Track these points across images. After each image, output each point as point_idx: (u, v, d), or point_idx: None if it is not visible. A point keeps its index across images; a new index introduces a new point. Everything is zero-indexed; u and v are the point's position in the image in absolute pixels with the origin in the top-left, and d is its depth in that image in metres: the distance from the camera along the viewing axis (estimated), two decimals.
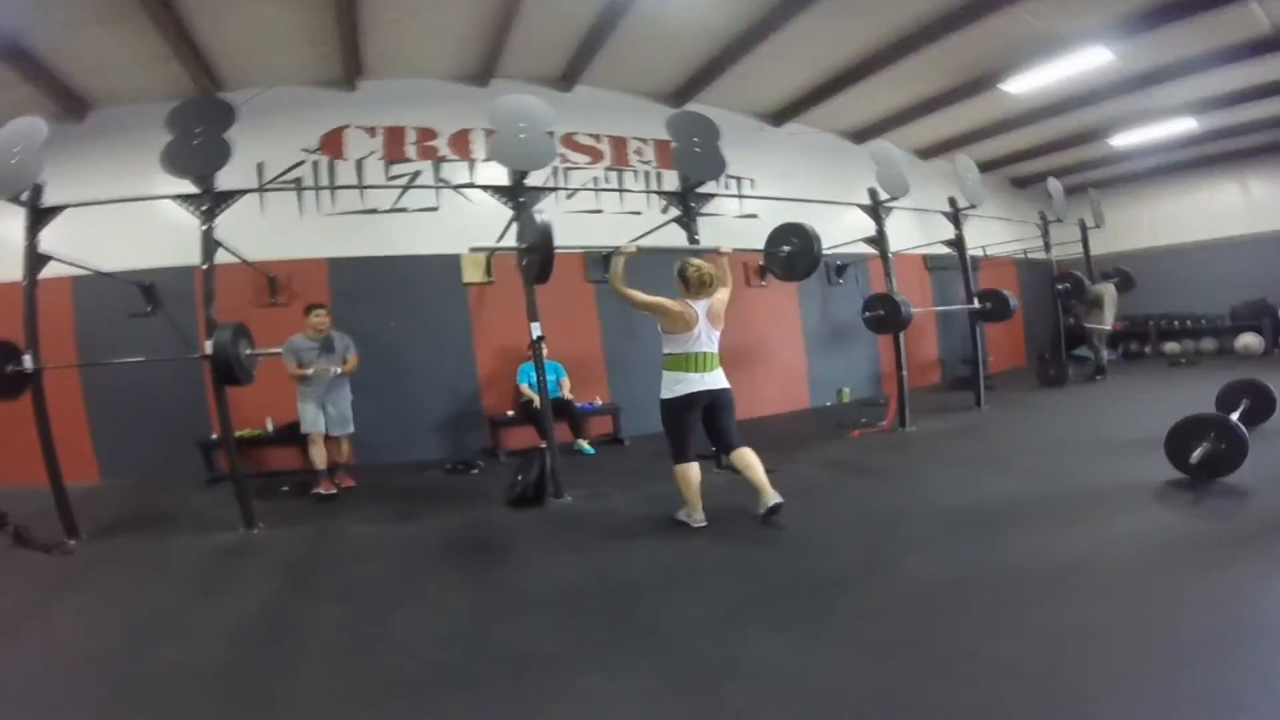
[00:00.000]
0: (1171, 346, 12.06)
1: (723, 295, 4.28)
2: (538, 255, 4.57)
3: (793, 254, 5.72)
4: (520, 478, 5.00)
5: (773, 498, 3.96)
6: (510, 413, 7.18)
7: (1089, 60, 7.59)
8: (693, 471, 4.14)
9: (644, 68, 8.03)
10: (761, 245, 6.04)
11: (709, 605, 2.98)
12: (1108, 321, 9.85)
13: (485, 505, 5.05)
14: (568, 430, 6.99)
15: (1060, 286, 10.16)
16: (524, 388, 6.83)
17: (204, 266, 4.95)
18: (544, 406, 5.35)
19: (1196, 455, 4.10)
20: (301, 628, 3.05)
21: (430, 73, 7.61)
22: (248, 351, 4.81)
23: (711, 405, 4.15)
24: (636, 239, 6.88)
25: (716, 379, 4.16)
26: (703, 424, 4.20)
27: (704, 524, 4.06)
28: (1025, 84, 8.25)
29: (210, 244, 4.98)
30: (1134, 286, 10.62)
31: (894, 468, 5.42)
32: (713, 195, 6.14)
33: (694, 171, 5.49)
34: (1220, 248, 11.98)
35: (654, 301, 4.13)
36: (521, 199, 5.06)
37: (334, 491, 5.63)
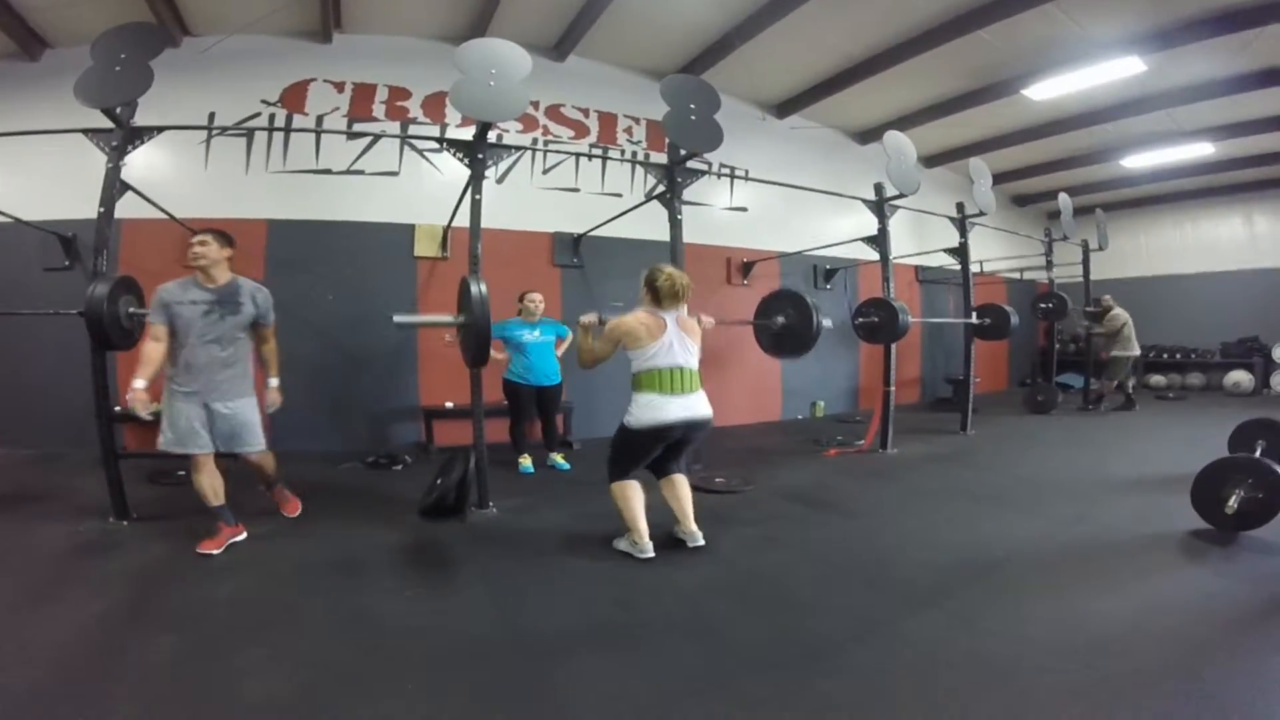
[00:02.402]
0: (1158, 380, 11.63)
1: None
2: (472, 333, 3.72)
3: (787, 328, 5.04)
4: (439, 481, 4.21)
5: (694, 537, 3.49)
6: (450, 404, 6.37)
7: (1119, 70, 6.95)
8: (633, 489, 3.46)
9: (644, 42, 7.33)
10: (749, 244, 5.40)
11: (648, 678, 2.26)
12: (1136, 347, 9.14)
13: (397, 511, 4.29)
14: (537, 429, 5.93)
15: (1044, 305, 9.55)
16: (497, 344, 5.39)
17: (100, 209, 4.20)
18: (475, 386, 4.26)
19: (1233, 504, 3.53)
20: (125, 657, 2.37)
21: (414, 30, 6.88)
22: (131, 310, 4.03)
23: (684, 437, 3.46)
24: (614, 218, 6.24)
25: (698, 404, 3.45)
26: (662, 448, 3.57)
27: (651, 555, 3.35)
28: (1049, 90, 7.57)
29: (113, 185, 4.22)
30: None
31: (878, 497, 4.72)
32: (703, 172, 5.39)
33: (686, 140, 4.74)
34: (1216, 281, 11.49)
35: (613, 334, 3.46)
36: (481, 155, 4.31)
37: (236, 538, 3.63)
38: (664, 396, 3.34)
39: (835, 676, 2.27)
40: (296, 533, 3.92)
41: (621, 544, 3.49)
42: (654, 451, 3.46)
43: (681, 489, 3.55)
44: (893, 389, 6.30)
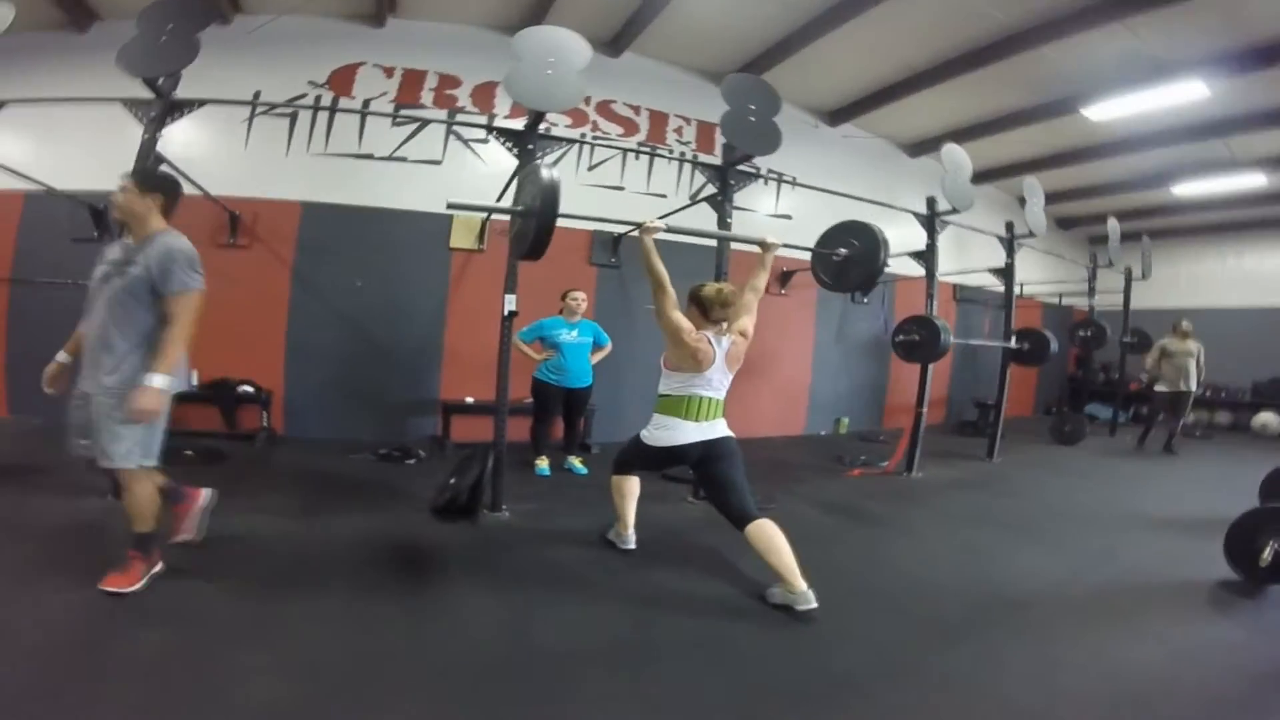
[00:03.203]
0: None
1: (747, 326, 3.39)
2: (534, 221, 3.34)
3: (849, 259, 4.74)
4: (453, 480, 4.08)
5: (805, 600, 2.88)
6: (470, 399, 6.25)
7: (1181, 94, 6.66)
8: (630, 484, 3.63)
9: (701, 42, 7.14)
10: (788, 252, 5.14)
11: (665, 708, 2.14)
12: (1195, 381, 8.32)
13: (407, 508, 4.18)
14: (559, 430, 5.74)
15: (1083, 333, 9.25)
16: (524, 346, 5.26)
17: None
18: (501, 383, 4.17)
19: (1267, 556, 3.37)
20: (107, 651, 2.26)
21: (468, 18, 6.77)
22: None
23: (706, 457, 3.24)
24: (661, 217, 6.05)
25: (715, 427, 3.27)
26: (702, 485, 3.54)
27: (632, 547, 3.57)
28: (1109, 111, 7.28)
29: (148, 157, 4.07)
30: (1150, 348, 9.76)
31: (905, 521, 4.56)
32: (757, 175, 5.21)
33: (744, 142, 4.58)
34: (1251, 317, 11.01)
35: (679, 325, 3.17)
36: (531, 146, 4.18)
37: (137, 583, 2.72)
38: (682, 422, 3.22)
39: (863, 717, 2.14)
40: (306, 522, 3.82)
41: (610, 532, 3.67)
42: (664, 467, 3.53)
43: (768, 534, 3.03)
44: (925, 410, 6.11)
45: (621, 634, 2.68)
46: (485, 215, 6.15)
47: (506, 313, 4.17)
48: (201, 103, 4.25)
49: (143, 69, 3.95)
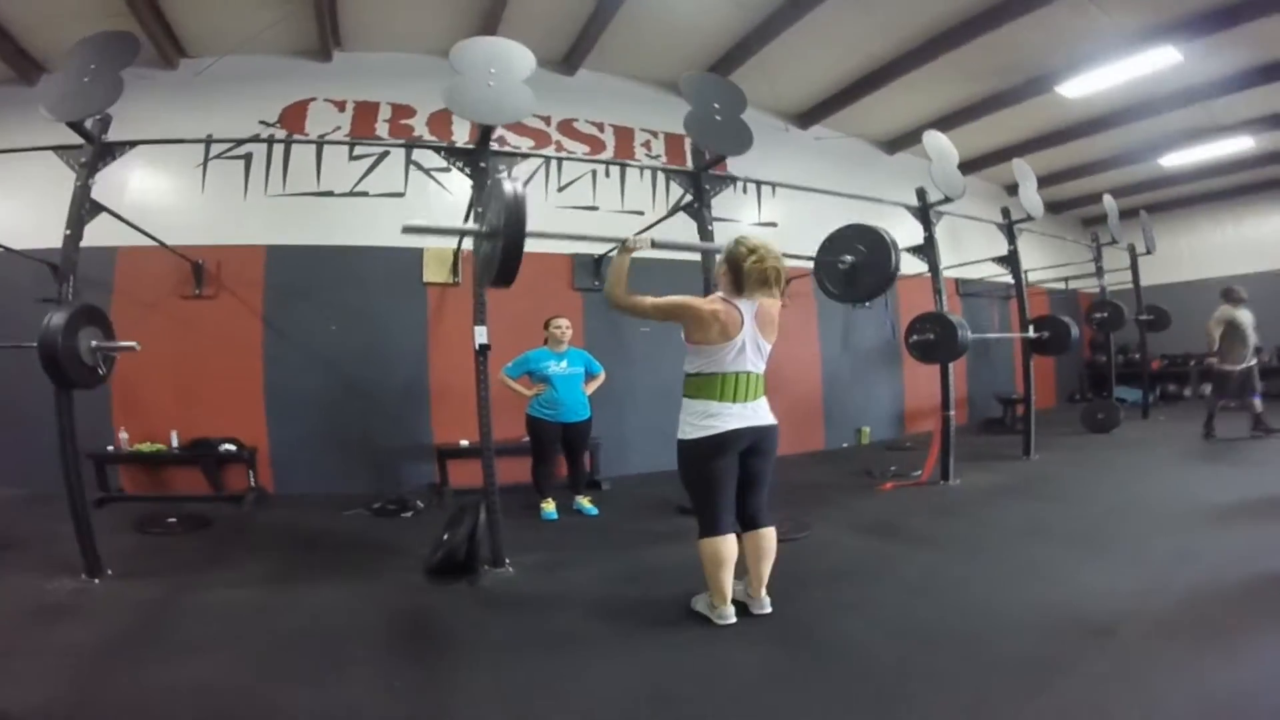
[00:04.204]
0: (1206, 388, 10.79)
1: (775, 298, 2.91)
2: (499, 242, 2.86)
3: (857, 266, 4.31)
4: (446, 536, 3.57)
5: (762, 604, 2.85)
6: (465, 442, 5.71)
7: (1154, 61, 6.47)
8: (728, 548, 2.77)
9: (657, 51, 6.85)
10: (790, 262, 4.67)
11: None
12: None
13: (401, 569, 3.66)
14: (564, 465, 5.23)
15: (1098, 316, 8.80)
16: (511, 383, 4.88)
17: (67, 232, 3.72)
18: (484, 425, 3.66)
19: None
20: None
21: (416, 46, 6.43)
22: (94, 344, 3.50)
23: (752, 449, 2.80)
24: (639, 232, 5.62)
25: (760, 412, 2.82)
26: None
27: (732, 620, 2.75)
28: (1084, 86, 7.05)
29: (81, 205, 3.75)
30: (1169, 324, 9.45)
31: (952, 541, 4.00)
32: (733, 179, 4.80)
33: (712, 143, 4.15)
34: (1267, 281, 10.51)
35: (673, 303, 2.78)
36: (484, 164, 3.73)
37: None
38: (725, 404, 2.73)
39: None
40: (283, 596, 3.32)
41: (699, 603, 2.91)
42: (726, 469, 2.78)
43: (766, 545, 2.88)
44: (953, 413, 5.59)
45: (644, 715, 2.14)
46: (456, 246, 5.71)
47: (477, 346, 3.65)
48: (134, 144, 3.93)
49: (66, 112, 3.62)
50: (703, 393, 2.75)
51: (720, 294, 2.83)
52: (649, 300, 2.82)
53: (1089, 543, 3.78)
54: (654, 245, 2.94)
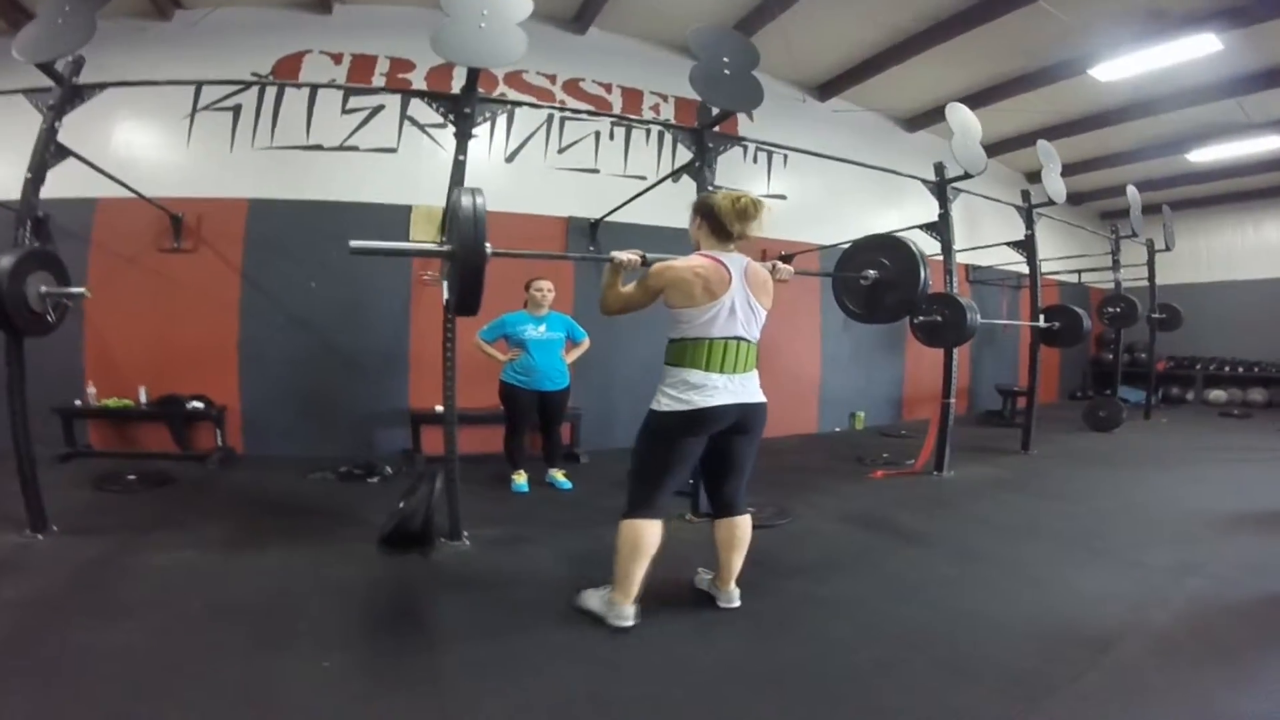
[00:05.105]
0: (1217, 394, 10.51)
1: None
2: (458, 267, 2.55)
3: (881, 283, 3.93)
4: (402, 504, 3.33)
5: (732, 598, 2.65)
6: (440, 409, 5.44)
7: (1192, 48, 6.03)
8: (652, 533, 2.44)
9: (672, 12, 6.40)
10: (798, 237, 4.43)
11: None
12: None
13: (356, 537, 3.43)
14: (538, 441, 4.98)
15: (1111, 310, 8.48)
16: (486, 347, 4.60)
17: (28, 175, 3.49)
18: (448, 388, 3.38)
19: None
20: None
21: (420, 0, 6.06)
22: (43, 289, 3.27)
23: (735, 429, 2.49)
24: (637, 196, 5.23)
25: (750, 387, 2.50)
26: (707, 458, 2.57)
27: (629, 624, 2.42)
28: (1118, 70, 6.61)
29: (46, 148, 3.52)
30: (1181, 324, 9.14)
31: (944, 538, 3.75)
32: (738, 139, 4.45)
33: (720, 98, 3.81)
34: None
35: (657, 275, 2.43)
36: (469, 110, 3.45)
37: None
38: (709, 375, 2.40)
39: None
40: (229, 561, 3.13)
41: (592, 600, 2.54)
42: (693, 449, 2.47)
43: (741, 534, 2.62)
44: (953, 401, 5.32)
45: (585, 714, 1.94)
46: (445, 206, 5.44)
47: (445, 300, 3.34)
48: (103, 86, 3.67)
49: (36, 53, 3.41)
50: (685, 360, 2.42)
51: (700, 251, 2.50)
52: (636, 291, 2.51)
53: (1085, 546, 3.56)
54: (645, 263, 2.60)
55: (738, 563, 2.63)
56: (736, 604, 2.63)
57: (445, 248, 2.66)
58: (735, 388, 2.44)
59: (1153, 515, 4.20)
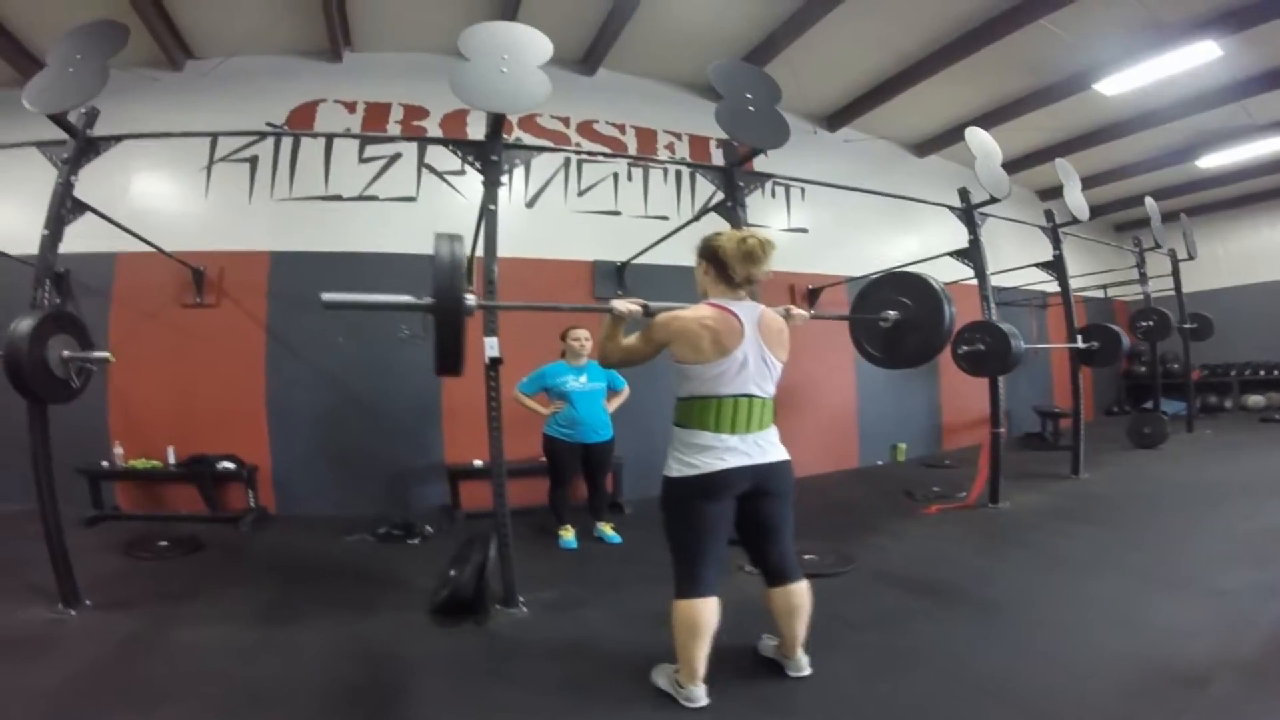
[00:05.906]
0: (1255, 400, 10.26)
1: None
2: (435, 320, 2.42)
3: (902, 324, 3.78)
4: (453, 572, 3.16)
5: (801, 666, 2.41)
6: (478, 463, 5.25)
7: (1192, 57, 6.09)
8: (706, 613, 2.22)
9: (679, 51, 6.49)
10: (821, 269, 4.32)
11: None
12: None
13: (403, 604, 3.26)
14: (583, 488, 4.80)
15: (1144, 324, 8.32)
16: (527, 400, 4.52)
17: (45, 232, 3.39)
18: (494, 449, 3.21)
19: None
20: None
21: (429, 46, 6.08)
22: (65, 354, 3.18)
23: (756, 492, 2.29)
24: (665, 237, 5.18)
25: (765, 446, 2.30)
26: (740, 526, 2.36)
27: (702, 705, 2.20)
28: (1122, 84, 6.66)
29: (62, 204, 3.42)
30: (1212, 334, 8.94)
31: (1011, 576, 3.53)
32: (768, 176, 4.36)
33: (748, 135, 3.74)
34: None
35: (662, 327, 2.28)
36: (495, 158, 3.37)
37: None
38: (721, 435, 2.22)
39: None
40: (266, 635, 2.97)
41: (661, 679, 2.35)
42: (717, 516, 2.25)
43: (798, 603, 2.37)
44: (1003, 431, 5.12)
45: None
46: (470, 252, 5.35)
47: (488, 359, 3.25)
48: (119, 139, 3.62)
49: (48, 103, 3.33)
50: (694, 421, 2.26)
51: (708, 301, 2.33)
52: (638, 343, 2.37)
53: (1158, 577, 3.35)
54: (647, 314, 2.48)
55: (801, 630, 2.40)
56: (807, 672, 2.40)
57: (424, 300, 2.47)
58: (749, 448, 2.26)
59: (1222, 535, 3.99)
